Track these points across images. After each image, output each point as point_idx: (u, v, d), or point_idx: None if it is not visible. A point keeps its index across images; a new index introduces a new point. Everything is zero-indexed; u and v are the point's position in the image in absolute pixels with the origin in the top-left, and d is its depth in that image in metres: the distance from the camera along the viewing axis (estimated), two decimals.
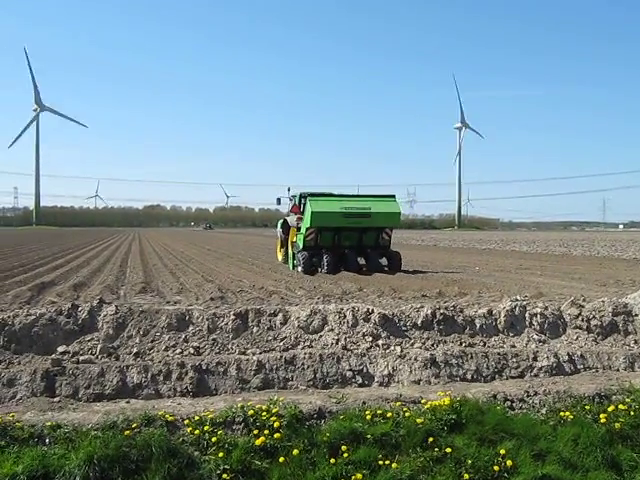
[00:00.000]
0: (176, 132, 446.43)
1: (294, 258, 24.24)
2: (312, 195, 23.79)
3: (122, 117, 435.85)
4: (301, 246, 23.29)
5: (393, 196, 24.44)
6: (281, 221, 27.41)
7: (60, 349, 8.30)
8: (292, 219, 25.24)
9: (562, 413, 6.86)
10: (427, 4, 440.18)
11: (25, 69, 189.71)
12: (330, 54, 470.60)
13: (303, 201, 24.31)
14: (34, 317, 8.64)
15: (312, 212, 22.30)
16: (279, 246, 28.43)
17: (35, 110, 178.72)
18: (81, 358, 8.10)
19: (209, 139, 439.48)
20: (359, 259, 23.72)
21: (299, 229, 23.97)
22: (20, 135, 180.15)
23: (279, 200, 28.39)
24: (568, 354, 8.98)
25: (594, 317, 9.93)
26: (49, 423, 6.13)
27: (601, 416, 6.77)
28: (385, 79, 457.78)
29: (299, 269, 22.83)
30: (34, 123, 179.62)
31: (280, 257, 28.10)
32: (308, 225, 22.66)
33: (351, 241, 23.64)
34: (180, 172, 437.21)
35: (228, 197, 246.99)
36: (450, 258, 34.18)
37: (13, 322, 8.52)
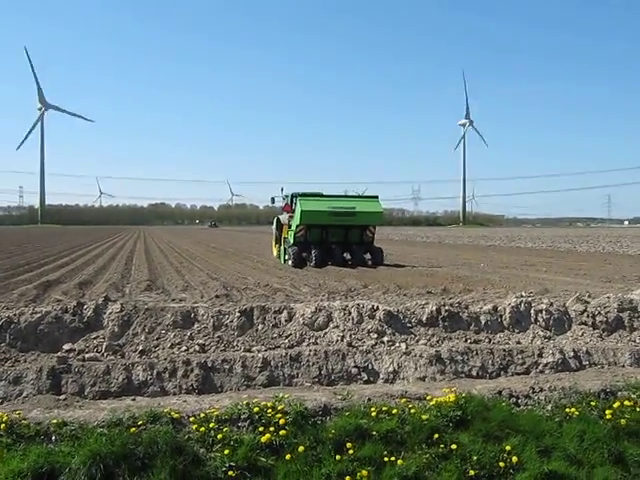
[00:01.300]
0: (181, 130, 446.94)
1: (285, 252, 25.98)
2: (302, 195, 25.33)
3: (127, 115, 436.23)
4: (292, 242, 24.97)
5: (376, 197, 25.90)
6: (275, 219, 29.14)
7: (66, 347, 8.33)
8: (284, 217, 26.97)
9: (568, 409, 6.86)
10: (428, 6, 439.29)
11: (27, 68, 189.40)
12: (334, 56, 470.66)
13: (294, 200, 25.77)
14: (40, 315, 8.67)
15: (302, 211, 23.86)
16: (274, 242, 29.95)
17: (40, 109, 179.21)
18: (87, 356, 8.13)
19: (213, 137, 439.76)
20: (345, 254, 25.34)
21: (290, 226, 25.53)
22: (27, 136, 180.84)
23: (273, 199, 30.07)
24: (573, 350, 8.98)
25: (599, 313, 9.92)
26: (55, 421, 6.16)
27: (607, 412, 6.77)
28: (389, 78, 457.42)
29: (289, 262, 24.61)
30: (39, 123, 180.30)
31: (275, 252, 29.48)
32: (298, 222, 24.27)
33: (337, 237, 25.19)
34: (184, 170, 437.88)
35: (233, 195, 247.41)
36: (455, 255, 34.11)
37: (19, 320, 8.55)
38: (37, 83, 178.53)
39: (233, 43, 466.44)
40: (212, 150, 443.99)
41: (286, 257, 25.70)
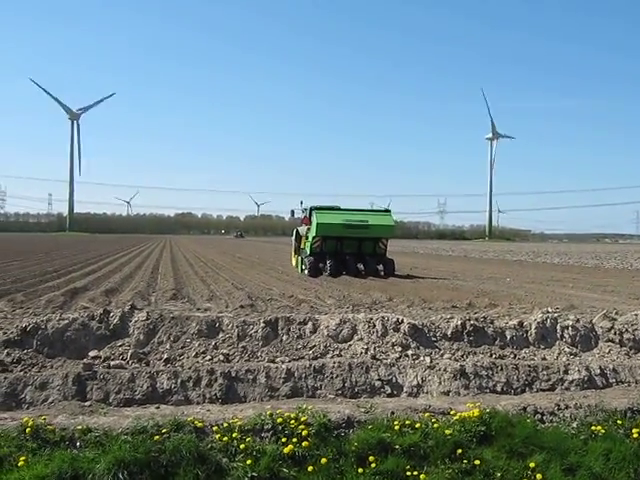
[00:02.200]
0: (208, 140, 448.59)
1: (302, 262, 27.56)
2: (318, 208, 27.13)
3: (156, 125, 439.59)
4: (308, 252, 26.63)
5: (389, 211, 28.07)
6: (295, 231, 30.50)
7: (92, 354, 8.40)
8: (302, 229, 28.52)
9: (593, 427, 6.77)
10: (453, 18, 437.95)
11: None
12: (362, 69, 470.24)
13: (312, 213, 27.16)
14: (67, 322, 8.76)
15: (317, 223, 25.63)
16: (293, 252, 31.22)
17: (73, 110, 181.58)
18: (112, 363, 8.19)
19: (241, 148, 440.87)
20: (358, 264, 26.84)
21: (307, 238, 27.22)
22: (40, 88, 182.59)
23: (293, 212, 32.60)
24: (600, 367, 8.87)
25: (627, 330, 9.81)
26: (80, 427, 6.20)
27: (633, 431, 6.67)
28: (416, 92, 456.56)
29: (306, 272, 26.07)
30: (70, 132, 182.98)
31: (294, 262, 30.71)
32: (314, 234, 25.97)
33: (351, 249, 26.82)
34: (211, 180, 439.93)
35: (259, 205, 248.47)
36: (480, 269, 33.95)
37: (46, 326, 8.64)
38: (90, 106, 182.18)
39: (265, 53, 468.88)
40: (239, 160, 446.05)
41: (303, 267, 27.16)
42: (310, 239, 26.46)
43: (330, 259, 25.65)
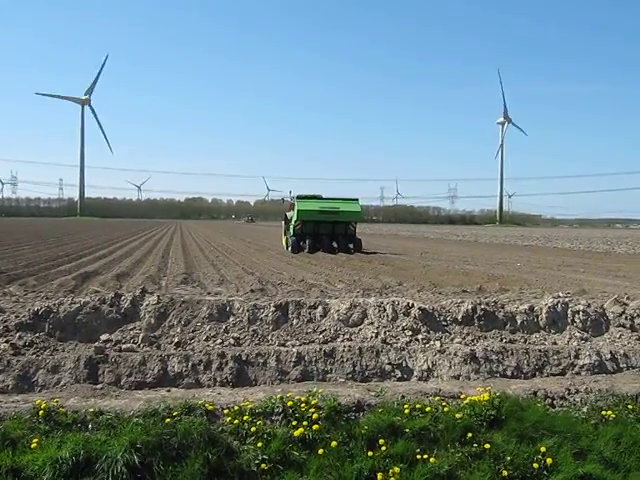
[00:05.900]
0: (218, 125, 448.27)
1: (287, 242, 32.86)
2: (301, 197, 32.17)
3: (164, 109, 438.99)
4: (292, 233, 31.59)
5: (357, 199, 32.92)
6: (284, 215, 35.19)
7: (103, 337, 8.44)
8: (290, 214, 32.78)
9: (604, 412, 6.77)
10: (466, 5, 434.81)
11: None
12: (371, 55, 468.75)
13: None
14: (78, 305, 8.79)
15: (298, 210, 30.54)
16: (283, 233, 36.12)
17: (82, 98, 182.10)
18: (123, 346, 8.23)
19: (250, 132, 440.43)
20: (333, 243, 31.95)
21: (291, 221, 31.87)
22: (52, 96, 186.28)
23: (283, 200, 37.60)
24: (611, 352, 8.86)
25: (638, 315, 9.78)
26: (92, 409, 6.24)
27: None
28: (427, 77, 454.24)
29: (289, 249, 31.47)
30: (80, 117, 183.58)
31: (284, 241, 35.30)
32: (296, 218, 30.81)
33: (326, 230, 31.94)
34: (221, 165, 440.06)
35: (269, 190, 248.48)
36: (491, 254, 33.86)
37: (58, 310, 8.68)
38: (96, 79, 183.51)
39: (279, 41, 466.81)
40: (249, 145, 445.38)
41: (287, 245, 32.48)
42: (293, 222, 31.30)
43: (309, 239, 30.85)
